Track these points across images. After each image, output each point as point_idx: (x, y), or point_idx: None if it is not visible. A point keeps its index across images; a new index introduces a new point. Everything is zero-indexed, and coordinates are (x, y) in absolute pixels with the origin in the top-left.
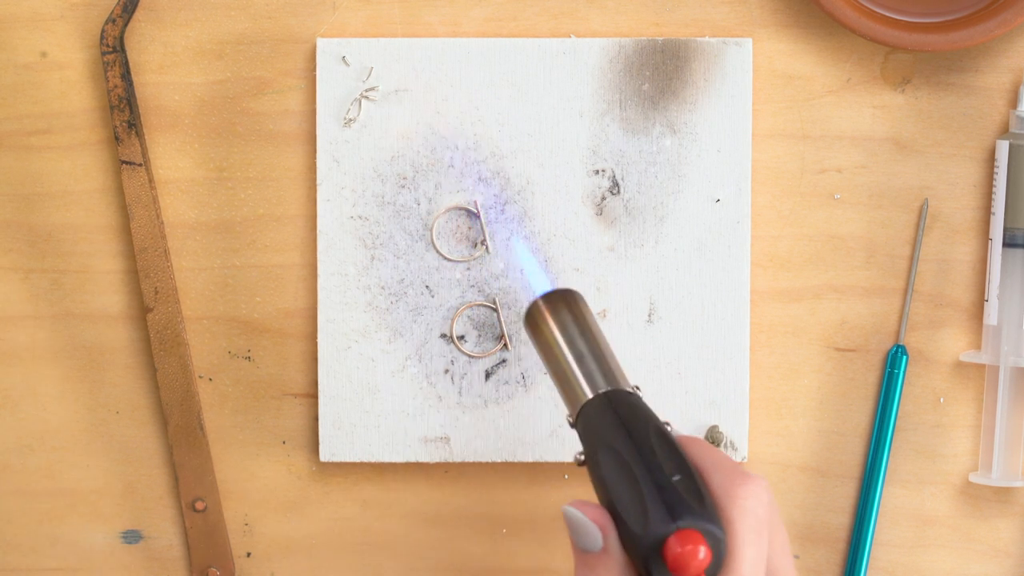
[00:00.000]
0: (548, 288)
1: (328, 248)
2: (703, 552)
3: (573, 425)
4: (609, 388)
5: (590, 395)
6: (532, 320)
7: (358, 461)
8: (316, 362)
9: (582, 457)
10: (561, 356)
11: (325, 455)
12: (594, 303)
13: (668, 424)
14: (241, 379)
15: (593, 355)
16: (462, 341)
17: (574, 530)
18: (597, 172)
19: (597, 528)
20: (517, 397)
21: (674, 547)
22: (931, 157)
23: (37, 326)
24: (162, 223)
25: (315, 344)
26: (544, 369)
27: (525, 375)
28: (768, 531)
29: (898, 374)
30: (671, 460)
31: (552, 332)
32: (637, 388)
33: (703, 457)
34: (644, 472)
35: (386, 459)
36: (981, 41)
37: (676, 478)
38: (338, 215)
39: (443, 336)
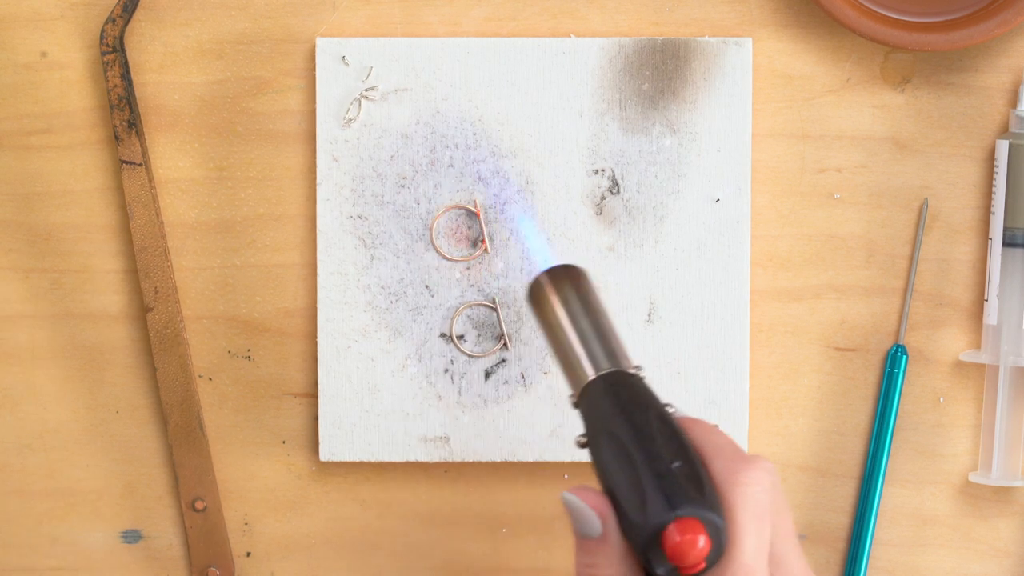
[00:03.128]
0: (552, 263)
1: (328, 247)
2: (702, 541)
3: (576, 405)
4: (611, 369)
5: (592, 375)
6: (535, 296)
7: (358, 461)
8: (316, 362)
9: (584, 440)
10: (563, 335)
11: (325, 455)
12: None
13: (670, 406)
14: (241, 379)
15: (596, 334)
16: (462, 341)
17: (574, 516)
18: (597, 172)
19: (596, 515)
20: (517, 397)
21: (672, 536)
22: (931, 157)
23: (37, 326)
24: (162, 223)
25: (315, 344)
26: (547, 347)
27: (525, 375)
28: (771, 517)
29: (898, 374)
30: (671, 445)
31: (555, 310)
32: (639, 368)
33: (705, 441)
34: (643, 459)
35: (386, 459)
36: (981, 41)
37: (676, 464)
38: (338, 215)
39: (443, 336)
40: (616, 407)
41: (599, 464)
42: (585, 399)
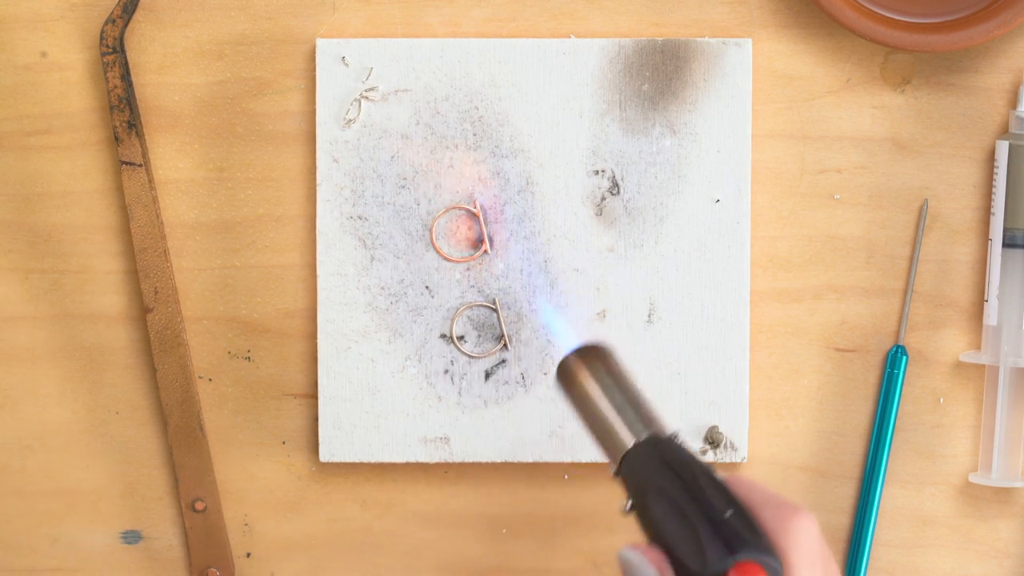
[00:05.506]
0: (577, 343)
1: (328, 248)
2: None
3: (616, 474)
4: (650, 434)
5: (631, 443)
6: (565, 375)
7: (358, 461)
8: (316, 362)
9: (629, 505)
10: (598, 408)
11: (325, 455)
12: (594, 303)
13: (712, 466)
14: (241, 379)
15: (631, 404)
16: (462, 341)
17: (631, 574)
18: (597, 172)
19: (655, 569)
20: (517, 397)
21: None
22: (931, 157)
23: (37, 326)
24: (162, 223)
25: (315, 344)
26: (582, 423)
27: (525, 375)
28: (822, 563)
29: (898, 374)
30: (721, 497)
31: (588, 385)
32: (676, 433)
33: (751, 493)
34: (696, 510)
35: (386, 459)
36: (981, 41)
37: (728, 513)
38: (338, 215)
39: (443, 336)
40: (662, 466)
41: (651, 521)
42: (627, 465)
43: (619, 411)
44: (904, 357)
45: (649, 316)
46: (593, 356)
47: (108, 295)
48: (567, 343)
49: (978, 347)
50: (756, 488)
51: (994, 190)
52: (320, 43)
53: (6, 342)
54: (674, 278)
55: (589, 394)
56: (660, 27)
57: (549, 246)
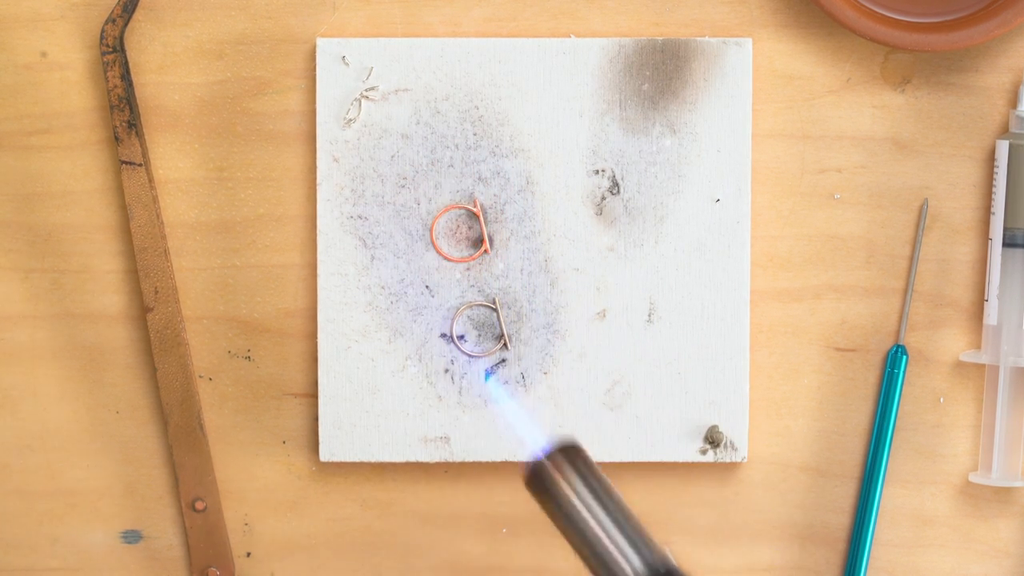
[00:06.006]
0: (547, 444)
1: (328, 248)
2: None
3: None
4: (650, 567)
5: None
6: (539, 483)
7: (358, 461)
8: (316, 362)
9: None
10: (587, 530)
11: (325, 455)
12: (594, 303)
13: None
14: (241, 379)
15: (619, 525)
16: (462, 341)
17: None
18: (597, 172)
19: None
20: (517, 396)
21: None
22: (931, 157)
23: (37, 326)
24: (162, 223)
25: (315, 344)
26: (563, 536)
27: (525, 375)
28: None
29: (898, 374)
30: None
31: (570, 501)
32: (669, 555)
33: None
34: None
35: (386, 459)
36: (981, 41)
37: None
38: (338, 215)
39: (443, 336)
40: None
41: None
42: None
43: (609, 536)
44: (904, 357)
45: (649, 316)
46: (567, 461)
47: (108, 295)
48: (535, 441)
49: (978, 347)
50: None
51: (994, 190)
52: (320, 43)
53: (6, 342)
54: (674, 278)
55: (573, 510)
56: (660, 27)
57: (549, 246)
